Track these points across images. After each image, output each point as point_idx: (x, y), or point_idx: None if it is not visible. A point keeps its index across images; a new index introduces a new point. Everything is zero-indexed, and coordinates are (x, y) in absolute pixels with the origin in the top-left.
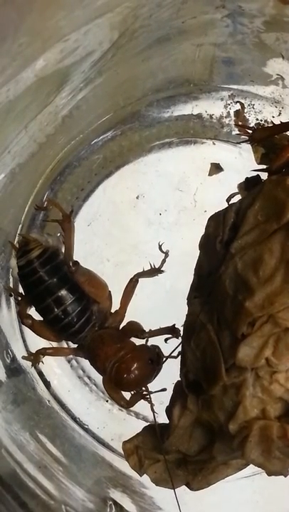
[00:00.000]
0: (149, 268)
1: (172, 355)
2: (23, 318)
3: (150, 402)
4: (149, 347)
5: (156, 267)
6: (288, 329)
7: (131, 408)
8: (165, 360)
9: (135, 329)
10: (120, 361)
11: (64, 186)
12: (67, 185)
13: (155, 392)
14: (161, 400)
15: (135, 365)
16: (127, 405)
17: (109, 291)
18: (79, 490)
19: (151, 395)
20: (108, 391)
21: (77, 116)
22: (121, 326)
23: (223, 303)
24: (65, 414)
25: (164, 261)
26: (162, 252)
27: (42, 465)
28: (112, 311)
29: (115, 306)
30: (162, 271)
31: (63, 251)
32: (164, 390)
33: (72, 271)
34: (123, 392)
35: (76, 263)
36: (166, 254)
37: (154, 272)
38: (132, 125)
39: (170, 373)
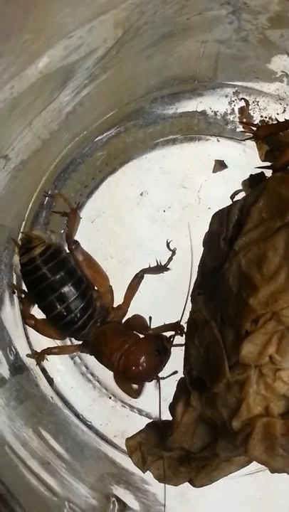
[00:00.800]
0: (155, 265)
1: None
2: (26, 318)
3: (159, 391)
4: (155, 336)
5: (163, 264)
6: None
7: (134, 405)
8: (171, 347)
9: (139, 324)
10: (126, 354)
11: (68, 183)
12: (71, 182)
13: (167, 377)
14: (165, 397)
15: (142, 357)
16: (138, 396)
17: (110, 286)
18: (82, 486)
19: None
20: (119, 385)
21: (81, 113)
22: (124, 320)
23: (227, 300)
24: (68, 411)
25: (170, 259)
26: (170, 249)
27: (45, 461)
28: (115, 305)
29: (118, 301)
30: (168, 268)
31: (65, 238)
32: (175, 372)
33: (72, 248)
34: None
35: (76, 242)
36: (174, 252)
37: (160, 269)
38: (136, 122)
39: (174, 370)
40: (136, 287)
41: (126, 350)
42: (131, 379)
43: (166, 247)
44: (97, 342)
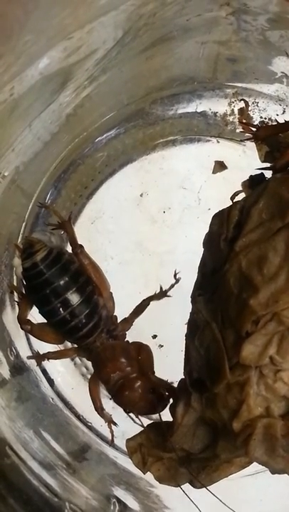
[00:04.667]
0: (158, 291)
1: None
2: (22, 323)
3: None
4: (161, 380)
5: (164, 289)
6: None
7: None
8: (165, 406)
9: (147, 360)
10: (127, 377)
11: (68, 184)
12: (71, 183)
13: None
14: None
15: (138, 386)
16: (100, 411)
17: (111, 293)
18: (83, 487)
19: None
20: (91, 389)
21: (81, 114)
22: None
23: (228, 301)
24: (68, 412)
25: (172, 286)
26: (175, 278)
27: (46, 462)
28: (115, 314)
29: (118, 303)
30: (169, 295)
31: (68, 243)
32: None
33: (78, 252)
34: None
35: (81, 246)
36: (177, 280)
37: (161, 295)
38: (135, 123)
39: (174, 371)
40: (141, 312)
41: (128, 373)
42: (117, 399)
43: (172, 276)
44: (104, 355)
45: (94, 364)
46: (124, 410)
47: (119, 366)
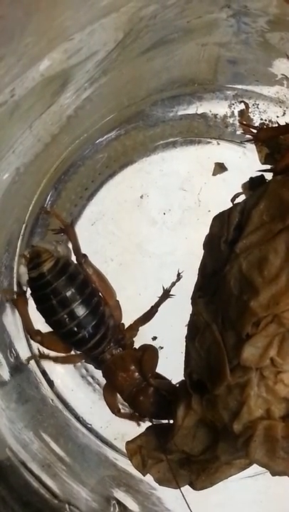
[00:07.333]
0: (162, 293)
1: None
2: (32, 335)
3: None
4: (165, 384)
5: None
6: None
7: None
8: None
9: (150, 363)
10: (140, 386)
11: (68, 185)
12: (71, 185)
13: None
14: None
15: (152, 391)
16: (119, 414)
17: (118, 301)
18: (82, 489)
19: None
20: (106, 396)
21: (81, 116)
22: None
23: (228, 303)
24: (68, 414)
25: (173, 283)
26: (177, 277)
27: (45, 464)
28: (122, 322)
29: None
30: (172, 295)
31: (73, 253)
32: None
33: (82, 262)
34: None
35: (85, 255)
36: (178, 278)
37: (165, 296)
38: (136, 124)
39: (174, 373)
40: (150, 318)
41: (141, 381)
42: (135, 406)
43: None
44: (114, 366)
45: (105, 375)
46: (142, 416)
47: (131, 375)
